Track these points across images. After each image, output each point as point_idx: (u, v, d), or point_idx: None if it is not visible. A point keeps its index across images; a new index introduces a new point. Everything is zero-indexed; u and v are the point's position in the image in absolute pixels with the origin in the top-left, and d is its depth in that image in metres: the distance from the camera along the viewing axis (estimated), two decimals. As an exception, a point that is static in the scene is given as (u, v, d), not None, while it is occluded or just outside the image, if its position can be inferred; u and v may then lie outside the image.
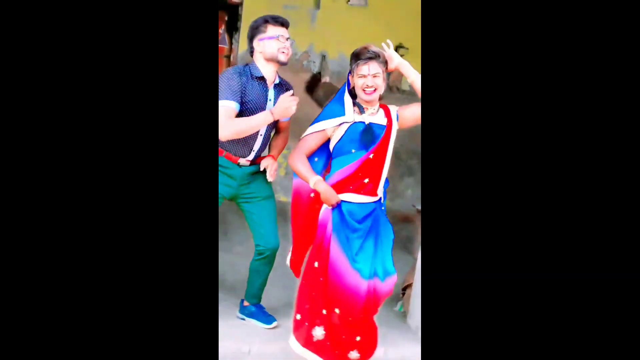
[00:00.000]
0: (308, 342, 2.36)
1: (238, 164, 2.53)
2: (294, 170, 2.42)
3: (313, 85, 5.08)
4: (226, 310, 2.75)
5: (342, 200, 2.35)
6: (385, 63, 2.37)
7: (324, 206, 2.38)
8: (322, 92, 4.99)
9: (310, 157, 2.42)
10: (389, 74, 2.48)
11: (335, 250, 2.31)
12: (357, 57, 2.35)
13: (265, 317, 2.70)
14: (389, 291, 2.37)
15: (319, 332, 2.34)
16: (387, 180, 2.45)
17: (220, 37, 5.06)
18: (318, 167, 2.42)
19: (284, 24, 2.49)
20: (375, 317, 2.45)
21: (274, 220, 2.65)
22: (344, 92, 2.41)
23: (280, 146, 2.68)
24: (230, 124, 2.35)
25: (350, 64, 2.37)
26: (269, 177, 2.59)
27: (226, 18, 5.04)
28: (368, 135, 2.34)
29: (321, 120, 2.40)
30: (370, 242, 2.36)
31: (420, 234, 2.97)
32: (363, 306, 2.29)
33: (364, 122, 2.35)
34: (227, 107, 2.36)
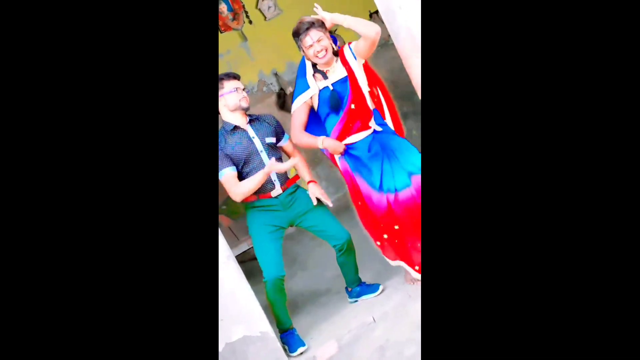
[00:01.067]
0: (405, 256, 2.74)
1: (272, 197, 2.83)
2: (301, 145, 2.85)
3: (283, 101, 5.40)
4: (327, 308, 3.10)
5: (347, 145, 2.74)
6: (323, 25, 2.69)
7: (338, 158, 2.79)
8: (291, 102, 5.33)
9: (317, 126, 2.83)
10: (332, 34, 2.81)
11: (363, 186, 2.73)
12: (297, 33, 2.70)
13: (370, 288, 3.02)
14: (416, 191, 2.65)
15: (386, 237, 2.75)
16: (376, 112, 2.82)
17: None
18: (323, 134, 2.82)
19: (235, 77, 2.84)
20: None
21: (333, 218, 2.95)
22: (304, 65, 2.78)
23: (304, 167, 2.99)
24: (238, 188, 2.74)
25: (296, 43, 2.72)
26: (329, 203, 2.90)
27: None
28: (333, 100, 2.71)
29: (296, 96, 2.79)
30: (387, 161, 2.72)
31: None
32: (400, 216, 2.67)
33: (327, 87, 2.70)
34: (227, 175, 2.73)
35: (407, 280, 2.89)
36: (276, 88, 5.47)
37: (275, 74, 5.45)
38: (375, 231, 2.82)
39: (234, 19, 5.29)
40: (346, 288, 3.08)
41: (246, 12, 5.34)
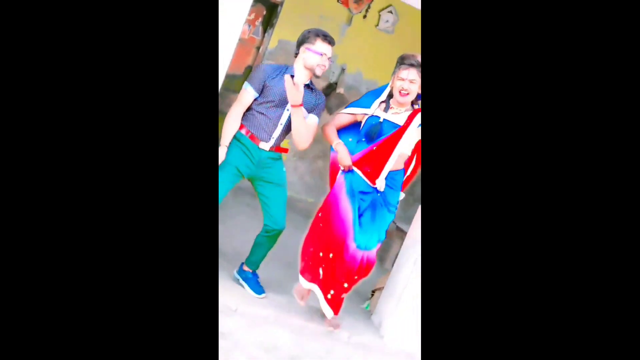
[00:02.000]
0: (315, 278, 2.80)
1: (258, 146, 2.88)
2: (325, 134, 2.91)
3: (328, 93, 5.46)
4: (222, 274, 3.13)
5: (353, 169, 2.80)
6: None
7: (340, 171, 2.85)
8: (334, 101, 5.38)
9: (346, 136, 2.91)
10: None
11: (346, 209, 2.76)
12: (402, 60, 2.76)
13: (257, 286, 3.06)
14: (368, 263, 2.79)
15: (321, 272, 2.79)
16: (401, 174, 2.88)
17: (254, 29, 5.40)
18: (351, 146, 2.87)
19: (331, 42, 2.89)
20: (343, 310, 2.91)
21: (284, 205, 3.01)
22: (384, 89, 2.86)
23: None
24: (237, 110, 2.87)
25: (395, 66, 2.78)
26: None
27: (264, 13, 5.38)
28: (373, 129, 2.77)
29: (353, 106, 2.91)
30: (368, 212, 2.80)
31: (399, 248, 3.39)
32: (358, 267, 2.76)
33: (378, 117, 2.76)
34: (247, 92, 2.84)
35: (327, 323, 2.93)
36: (333, 79, 5.53)
37: (343, 69, 5.52)
38: (310, 252, 2.86)
39: (357, 1, 5.35)
40: (242, 264, 3.13)
41: (369, 7, 5.41)
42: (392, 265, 3.39)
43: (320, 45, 2.84)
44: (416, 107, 2.85)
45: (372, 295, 3.57)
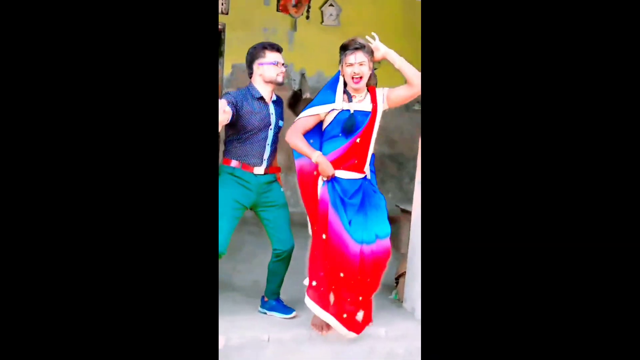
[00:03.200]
0: (325, 305, 2.70)
1: (253, 173, 2.83)
2: (294, 147, 2.77)
3: (295, 101, 5.42)
4: (244, 306, 3.07)
5: (335, 176, 2.72)
6: (372, 53, 2.70)
7: (321, 183, 2.76)
8: (303, 108, 5.34)
9: (307, 139, 2.77)
10: (376, 66, 2.81)
11: (335, 221, 2.68)
12: (345, 48, 2.69)
13: (284, 309, 3.00)
14: (385, 252, 2.70)
15: (331, 298, 2.70)
16: (373, 156, 2.83)
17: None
18: (314, 147, 2.76)
19: (279, 50, 2.85)
20: (374, 304, 2.82)
21: (289, 225, 2.97)
22: (337, 80, 2.76)
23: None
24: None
25: (340, 55, 2.71)
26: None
27: (210, 43, 5.36)
28: (349, 124, 2.70)
29: (315, 105, 2.76)
30: (361, 214, 2.73)
31: (409, 230, 3.34)
32: (359, 267, 2.65)
33: (349, 111, 2.71)
34: (221, 104, 2.59)
35: (314, 325, 2.88)
36: (295, 87, 5.50)
37: (303, 75, 5.48)
38: (320, 276, 2.76)
39: (295, 5, 5.32)
40: (263, 297, 3.08)
41: (309, 7, 5.38)
42: (407, 248, 3.34)
43: (270, 55, 2.81)
44: (373, 82, 2.80)
45: (397, 283, 3.52)
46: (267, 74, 2.80)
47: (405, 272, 3.36)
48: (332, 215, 2.70)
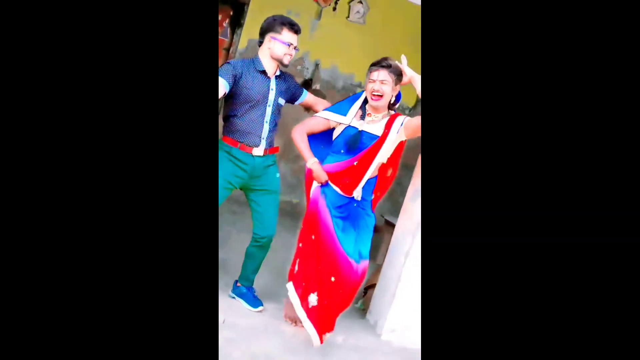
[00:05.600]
0: (304, 302, 2.64)
1: (252, 154, 2.73)
2: (295, 144, 2.71)
3: (303, 90, 5.34)
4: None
5: (328, 183, 2.66)
6: (398, 75, 2.63)
7: (314, 184, 2.70)
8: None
9: (318, 143, 2.73)
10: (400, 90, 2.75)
11: (327, 225, 2.61)
12: (375, 64, 2.64)
13: (253, 300, 2.92)
14: (364, 273, 2.64)
15: (312, 299, 2.61)
16: (372, 180, 2.74)
17: (222, 30, 5.26)
18: (324, 153, 2.72)
19: (297, 32, 2.73)
20: None
21: (276, 212, 2.87)
22: (359, 96, 2.71)
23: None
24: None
25: (367, 72, 2.65)
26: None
27: (231, 13, 5.25)
28: (353, 141, 2.63)
29: (330, 111, 2.71)
30: (349, 224, 2.67)
31: (389, 243, 3.26)
32: (352, 278, 2.58)
33: (356, 128, 2.64)
34: (220, 83, 2.55)
35: (287, 317, 2.83)
36: (307, 75, 5.41)
37: (317, 65, 5.40)
38: (309, 268, 2.70)
39: (325, -6, 5.23)
40: (236, 281, 3.00)
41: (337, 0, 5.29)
42: (384, 260, 3.27)
43: (286, 34, 2.69)
44: (392, 112, 2.73)
45: (365, 293, 3.44)
46: (275, 51, 2.69)
47: (375, 284, 3.29)
48: (324, 217, 2.63)
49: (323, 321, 2.62)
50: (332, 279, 2.59)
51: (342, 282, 2.58)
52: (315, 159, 2.67)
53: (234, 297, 2.96)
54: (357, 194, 2.71)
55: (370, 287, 3.39)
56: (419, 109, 5.48)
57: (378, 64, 2.63)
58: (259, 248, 2.88)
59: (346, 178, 2.67)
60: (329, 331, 2.67)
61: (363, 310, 3.31)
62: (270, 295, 3.06)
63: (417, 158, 3.06)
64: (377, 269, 3.52)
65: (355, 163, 2.65)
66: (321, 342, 2.64)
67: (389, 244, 3.25)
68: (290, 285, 2.73)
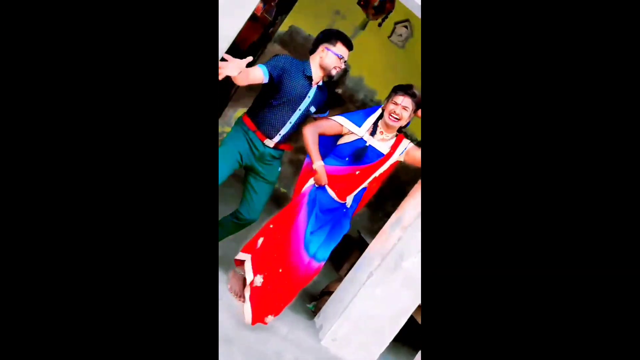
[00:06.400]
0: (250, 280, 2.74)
1: (263, 143, 2.85)
2: (305, 141, 2.79)
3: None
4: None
5: (325, 186, 2.79)
6: (418, 105, 2.78)
7: (309, 182, 2.82)
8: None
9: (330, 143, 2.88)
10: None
11: (301, 223, 2.75)
12: (398, 88, 2.78)
13: None
14: (316, 272, 2.78)
15: (258, 280, 2.72)
16: (362, 190, 2.89)
17: (269, 9, 5.35)
18: (320, 153, 2.83)
19: (350, 48, 2.85)
20: (290, 304, 2.85)
21: (266, 201, 2.99)
22: (375, 110, 2.85)
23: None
24: (247, 78, 2.59)
25: (390, 92, 2.80)
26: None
27: (281, -3, 5.34)
28: (358, 154, 2.77)
29: (346, 117, 2.83)
30: (324, 231, 2.80)
31: (356, 258, 3.37)
32: (300, 275, 2.72)
33: (365, 142, 2.77)
34: (257, 69, 2.66)
35: (232, 290, 2.90)
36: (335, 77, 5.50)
37: (346, 70, 5.49)
38: (266, 249, 2.81)
39: (376, 7, 5.33)
40: None
41: (387, 17, 5.39)
42: (346, 273, 3.37)
43: (340, 48, 2.81)
44: (399, 133, 2.90)
45: (320, 297, 3.55)
46: (326, 60, 2.81)
47: (331, 292, 3.39)
48: (302, 215, 2.76)
49: (261, 303, 2.73)
50: (280, 270, 2.72)
51: (289, 276, 2.71)
52: (322, 162, 2.79)
53: None
54: (349, 200, 2.86)
55: (327, 293, 3.49)
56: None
57: (404, 90, 2.76)
58: (235, 225, 2.98)
59: (344, 183, 2.81)
60: (271, 314, 2.76)
61: (314, 313, 3.41)
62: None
63: (412, 185, 3.18)
64: (337, 278, 3.62)
65: (357, 172, 2.80)
66: (263, 322, 2.73)
67: (356, 259, 3.35)
68: (248, 259, 2.81)
